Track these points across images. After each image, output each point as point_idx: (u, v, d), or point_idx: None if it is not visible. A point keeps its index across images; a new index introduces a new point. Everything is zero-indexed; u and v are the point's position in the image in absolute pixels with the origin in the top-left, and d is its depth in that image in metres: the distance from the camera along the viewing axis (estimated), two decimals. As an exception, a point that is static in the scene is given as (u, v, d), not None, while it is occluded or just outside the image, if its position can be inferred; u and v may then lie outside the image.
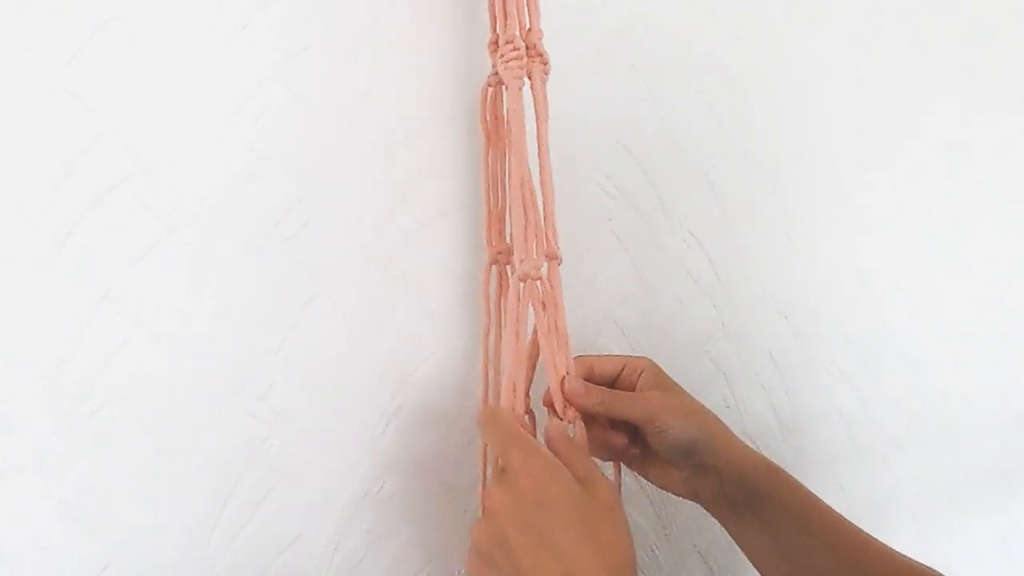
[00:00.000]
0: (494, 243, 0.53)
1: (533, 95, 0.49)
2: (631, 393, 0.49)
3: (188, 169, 0.47)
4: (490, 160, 0.53)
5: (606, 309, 0.61)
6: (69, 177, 0.44)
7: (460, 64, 0.54)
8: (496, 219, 0.53)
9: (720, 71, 0.63)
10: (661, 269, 0.63)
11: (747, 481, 0.49)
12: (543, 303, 0.48)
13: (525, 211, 0.47)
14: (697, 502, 0.51)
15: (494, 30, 0.50)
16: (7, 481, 0.44)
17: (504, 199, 0.53)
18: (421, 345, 0.55)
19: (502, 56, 0.49)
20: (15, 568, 0.45)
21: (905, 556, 0.48)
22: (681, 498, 0.52)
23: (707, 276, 0.65)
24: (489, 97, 0.52)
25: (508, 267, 0.52)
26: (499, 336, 0.53)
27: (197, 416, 0.49)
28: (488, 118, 0.52)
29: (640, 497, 0.65)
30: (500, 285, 0.54)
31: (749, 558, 0.51)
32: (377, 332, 0.54)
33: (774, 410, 0.69)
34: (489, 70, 0.51)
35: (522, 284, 0.47)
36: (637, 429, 0.49)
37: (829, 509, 0.50)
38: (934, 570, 0.47)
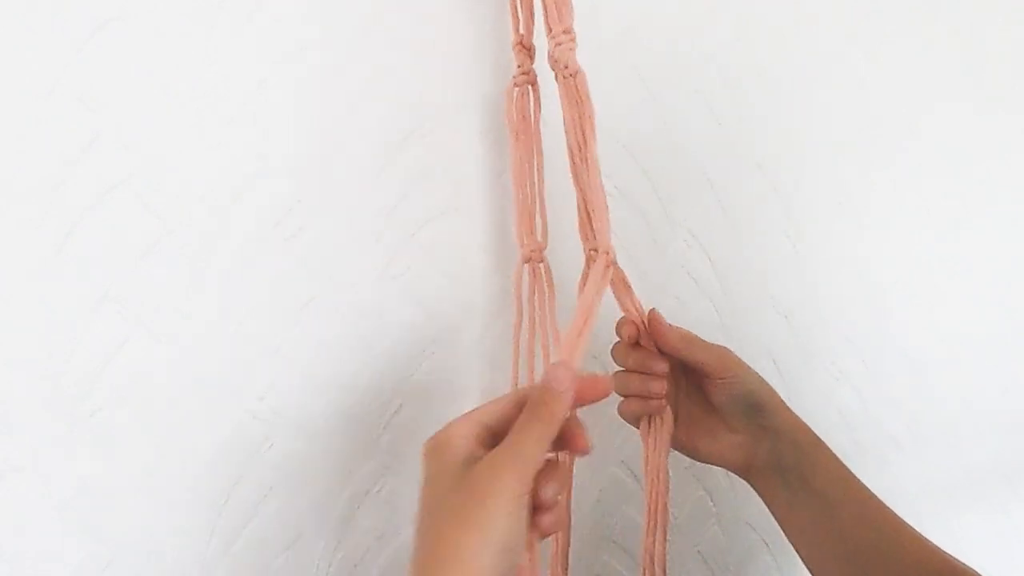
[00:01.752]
0: (526, 241, 0.54)
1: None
2: (707, 342, 0.50)
3: (188, 169, 0.47)
4: (518, 159, 0.53)
5: (606, 309, 0.60)
6: (69, 177, 0.44)
7: (460, 64, 0.54)
8: (527, 217, 0.54)
9: (720, 71, 0.63)
10: (661, 269, 0.63)
11: (801, 446, 0.49)
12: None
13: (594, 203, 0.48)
14: (744, 471, 0.51)
15: (517, 31, 0.51)
16: (7, 481, 0.44)
17: (534, 197, 0.54)
18: (421, 345, 0.55)
19: (559, 44, 0.48)
20: (15, 568, 0.45)
21: (929, 541, 0.49)
22: (727, 469, 0.51)
23: (707, 276, 0.65)
24: (516, 97, 0.52)
25: (541, 264, 0.54)
26: (532, 334, 0.54)
27: (197, 416, 0.49)
28: (515, 117, 0.53)
29: (640, 497, 0.65)
30: (532, 283, 0.54)
31: (792, 531, 0.50)
32: (377, 332, 0.54)
33: (774, 410, 0.69)
34: (514, 70, 0.52)
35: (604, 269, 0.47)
36: (700, 386, 0.51)
37: (866, 486, 0.50)
38: (964, 564, 0.47)
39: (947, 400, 0.78)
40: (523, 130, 0.53)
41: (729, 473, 0.53)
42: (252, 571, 0.51)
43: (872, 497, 0.50)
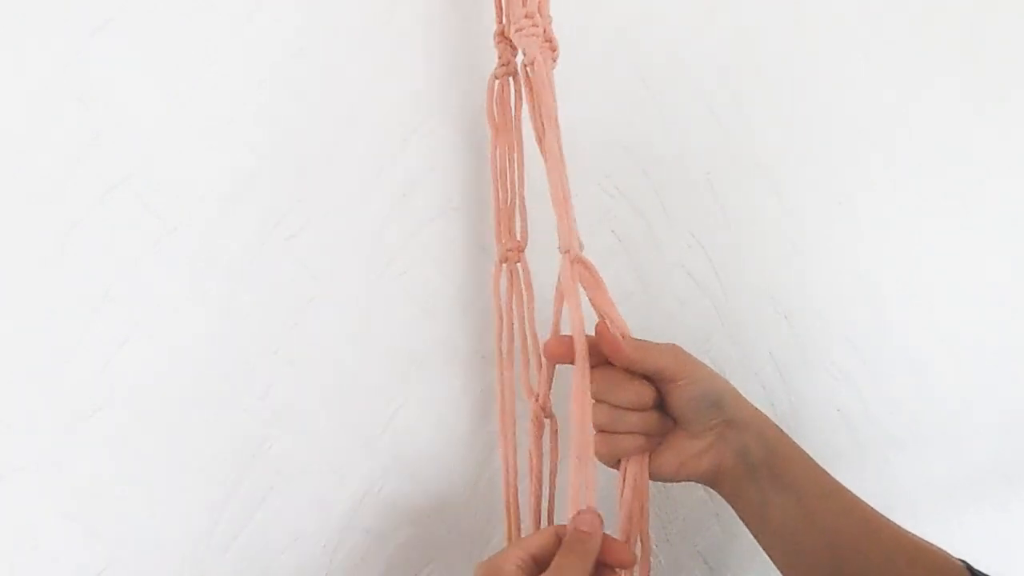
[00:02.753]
0: (503, 240, 0.52)
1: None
2: (658, 344, 0.47)
3: (188, 169, 0.47)
4: (498, 155, 0.51)
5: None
6: (69, 177, 0.44)
7: (461, 64, 0.54)
8: (506, 216, 0.52)
9: (720, 72, 0.63)
10: (661, 269, 0.63)
11: (767, 437, 0.48)
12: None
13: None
14: (714, 478, 0.48)
15: (500, 20, 0.49)
16: (7, 481, 0.44)
17: (513, 195, 0.52)
18: (421, 345, 0.55)
19: (519, 29, 0.46)
20: (15, 568, 0.45)
21: (905, 529, 0.48)
22: (697, 482, 0.49)
23: (707, 276, 0.65)
24: (497, 88, 0.50)
25: (519, 265, 0.52)
26: (511, 336, 0.53)
27: (197, 416, 0.49)
28: (496, 110, 0.51)
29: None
30: (511, 284, 0.53)
31: (766, 533, 0.49)
32: (377, 332, 0.54)
33: (774, 410, 0.69)
34: (496, 62, 0.50)
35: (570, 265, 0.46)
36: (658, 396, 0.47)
37: (834, 477, 0.49)
38: (934, 545, 0.47)
39: (947, 400, 0.78)
40: (503, 125, 0.50)
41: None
42: (252, 571, 0.51)
43: (842, 488, 0.49)
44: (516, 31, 0.47)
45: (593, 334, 0.45)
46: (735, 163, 0.64)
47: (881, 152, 0.71)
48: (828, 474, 0.49)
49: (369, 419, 0.54)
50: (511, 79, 0.50)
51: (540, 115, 0.47)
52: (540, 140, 0.48)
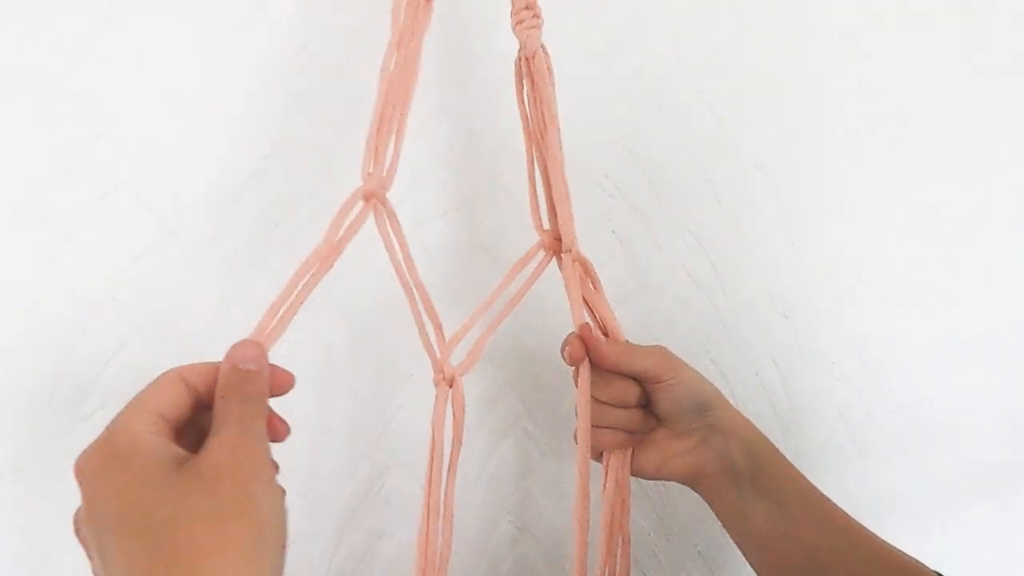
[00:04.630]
0: (371, 172, 0.44)
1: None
2: (645, 346, 0.49)
3: (188, 169, 0.47)
4: (392, 77, 0.45)
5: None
6: (69, 177, 0.44)
7: (461, 64, 0.54)
8: (380, 146, 0.45)
9: (720, 72, 0.63)
10: (661, 269, 0.63)
11: (752, 446, 0.48)
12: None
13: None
14: (695, 479, 0.49)
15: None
16: (7, 481, 0.44)
17: (393, 126, 0.46)
18: (421, 345, 0.55)
19: (520, 21, 0.46)
20: (15, 568, 0.45)
21: (884, 541, 0.48)
22: (677, 482, 0.50)
23: (707, 276, 0.65)
24: (405, 5, 0.46)
25: (384, 207, 0.45)
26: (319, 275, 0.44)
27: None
28: (401, 25, 0.46)
29: (640, 497, 0.65)
30: (357, 224, 0.45)
31: (744, 539, 0.49)
32: (377, 332, 0.54)
33: (774, 410, 0.69)
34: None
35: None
36: (643, 395, 0.48)
37: (816, 487, 0.49)
38: (914, 559, 0.47)
39: (947, 400, 0.78)
40: (406, 39, 0.45)
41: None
42: (252, 571, 0.51)
43: (824, 498, 0.49)
44: (517, 23, 0.46)
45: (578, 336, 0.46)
46: (735, 163, 0.64)
47: (881, 152, 0.71)
48: (812, 485, 0.49)
49: (369, 419, 0.54)
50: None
51: (541, 109, 0.47)
52: (541, 135, 0.48)
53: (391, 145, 0.44)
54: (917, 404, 0.77)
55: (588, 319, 0.48)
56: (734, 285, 0.66)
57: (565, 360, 0.47)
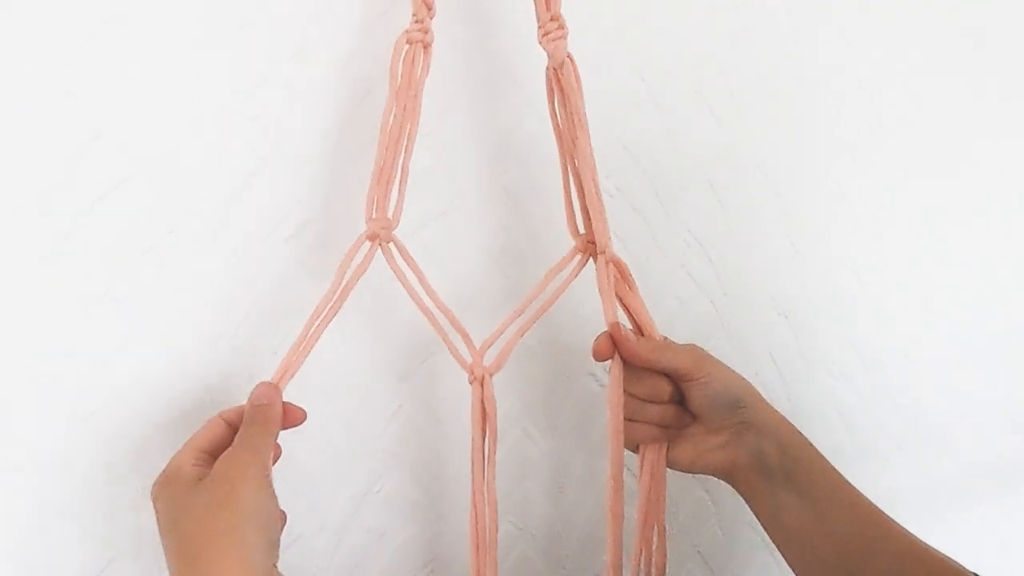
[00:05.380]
0: (375, 215, 0.48)
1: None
2: (678, 344, 0.50)
3: (188, 169, 0.47)
4: (391, 121, 0.47)
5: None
6: (69, 177, 0.44)
7: (460, 64, 0.54)
8: (383, 188, 0.48)
9: (720, 72, 0.63)
10: (661, 269, 0.63)
11: (784, 441, 0.49)
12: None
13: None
14: (729, 473, 0.50)
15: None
16: (7, 481, 0.44)
17: (395, 167, 0.48)
18: (421, 345, 0.55)
19: (547, 33, 0.47)
20: (15, 568, 0.45)
21: (917, 537, 0.48)
22: (712, 475, 0.51)
23: (707, 276, 0.65)
24: (404, 54, 0.47)
25: (391, 244, 0.48)
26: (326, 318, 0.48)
27: (197, 416, 0.49)
28: (398, 74, 0.47)
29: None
30: (365, 264, 0.48)
31: (778, 533, 0.50)
32: (377, 332, 0.54)
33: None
34: (410, 21, 0.48)
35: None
36: (677, 392, 0.50)
37: (850, 483, 0.50)
38: (950, 558, 0.47)
39: (947, 400, 0.78)
40: (404, 90, 0.47)
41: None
42: (252, 571, 0.51)
43: (858, 494, 0.49)
44: (543, 35, 0.47)
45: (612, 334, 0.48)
46: (735, 163, 0.64)
47: (881, 152, 0.71)
48: (845, 480, 0.49)
49: (369, 419, 0.54)
50: (422, 49, 0.48)
51: (572, 118, 0.48)
52: (572, 143, 0.49)
53: (395, 189, 0.48)
54: (917, 404, 0.77)
55: (625, 319, 0.50)
56: (734, 285, 0.66)
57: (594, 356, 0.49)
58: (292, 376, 0.46)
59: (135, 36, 0.45)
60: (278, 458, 0.46)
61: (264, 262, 0.50)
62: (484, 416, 0.48)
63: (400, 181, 0.48)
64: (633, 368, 0.49)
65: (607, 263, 0.49)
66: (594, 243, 0.51)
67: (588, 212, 0.50)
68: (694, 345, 0.50)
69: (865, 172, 0.71)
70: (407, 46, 0.47)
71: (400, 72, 0.47)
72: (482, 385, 0.48)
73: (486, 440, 0.49)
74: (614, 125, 0.59)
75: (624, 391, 0.49)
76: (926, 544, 0.48)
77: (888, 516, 0.49)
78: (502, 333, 0.50)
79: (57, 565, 0.46)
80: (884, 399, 0.75)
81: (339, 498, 0.54)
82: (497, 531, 0.50)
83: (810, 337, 0.70)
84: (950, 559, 0.47)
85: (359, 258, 0.47)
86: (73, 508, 0.46)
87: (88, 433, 0.46)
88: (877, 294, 0.73)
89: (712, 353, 0.65)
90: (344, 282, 0.46)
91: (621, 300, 0.50)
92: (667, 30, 0.60)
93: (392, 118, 0.47)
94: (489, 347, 0.50)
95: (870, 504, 0.49)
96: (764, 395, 0.66)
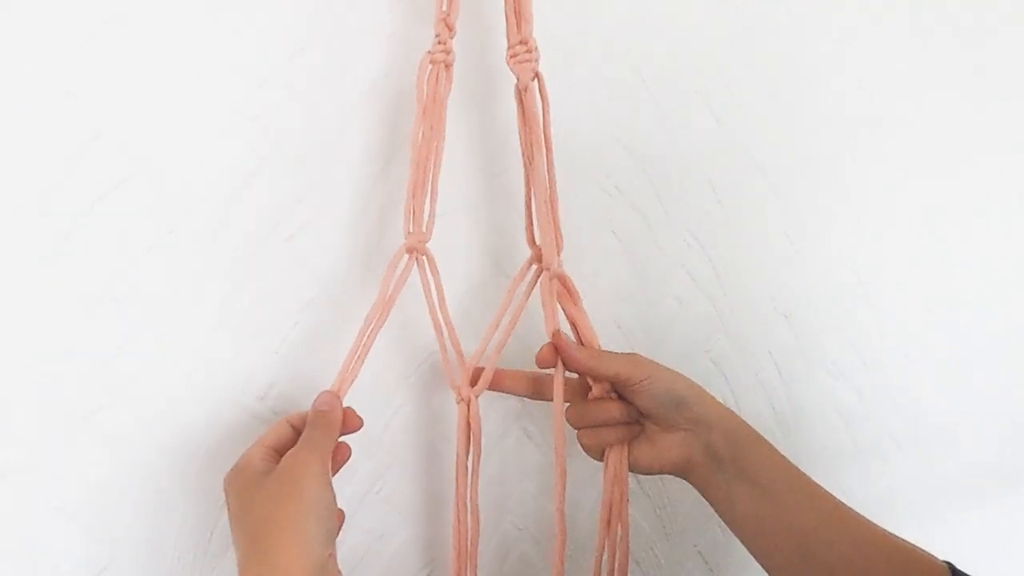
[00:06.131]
0: (411, 230, 0.50)
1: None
2: (617, 352, 0.51)
3: (188, 169, 0.47)
4: (420, 139, 0.50)
5: (606, 309, 0.61)
6: (69, 177, 0.44)
7: (460, 64, 0.54)
8: (418, 203, 0.50)
9: (720, 72, 0.63)
10: (661, 269, 0.63)
11: (731, 433, 0.50)
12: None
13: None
14: (685, 470, 0.51)
15: (440, 7, 0.49)
16: (7, 481, 0.44)
17: (427, 182, 0.50)
18: (421, 345, 0.55)
19: (514, 55, 0.49)
20: (15, 568, 0.45)
21: (880, 527, 0.49)
22: (671, 474, 0.52)
23: (707, 276, 0.65)
24: (429, 73, 0.49)
25: (424, 257, 0.51)
26: (376, 328, 0.50)
27: (197, 416, 0.49)
28: (424, 93, 0.49)
29: (640, 497, 0.65)
30: (404, 275, 0.50)
31: (736, 524, 0.51)
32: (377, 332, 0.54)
33: (774, 410, 0.69)
34: (433, 43, 0.49)
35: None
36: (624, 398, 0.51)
37: (803, 473, 0.51)
38: (917, 547, 0.48)
39: (947, 400, 0.78)
40: (431, 108, 0.49)
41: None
42: (252, 571, 0.51)
43: (811, 482, 0.50)
44: (511, 57, 0.49)
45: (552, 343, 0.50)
46: (735, 163, 0.64)
47: (881, 152, 0.71)
48: (798, 470, 0.51)
49: (369, 419, 0.54)
50: (444, 68, 0.50)
51: (531, 139, 0.50)
52: (529, 163, 0.51)
53: (427, 204, 0.50)
54: (917, 404, 0.77)
55: (569, 330, 0.52)
56: (734, 285, 0.66)
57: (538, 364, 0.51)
58: (351, 384, 0.49)
59: (135, 36, 0.45)
60: (348, 459, 0.49)
61: (264, 262, 0.50)
62: (469, 433, 0.51)
63: (431, 197, 0.50)
64: (583, 376, 0.52)
65: (550, 279, 0.51)
66: None
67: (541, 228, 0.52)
68: (634, 353, 0.51)
69: (865, 172, 0.71)
70: (431, 66, 0.49)
71: (425, 92, 0.49)
72: (468, 406, 0.51)
73: (470, 456, 0.51)
74: (614, 125, 0.59)
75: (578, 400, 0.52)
76: (884, 530, 0.49)
77: (845, 505, 0.50)
78: (483, 351, 0.52)
79: (57, 565, 0.46)
80: (884, 399, 0.75)
81: (339, 498, 0.54)
82: (479, 540, 0.52)
83: (810, 337, 0.70)
84: (921, 550, 0.48)
85: (399, 269, 0.50)
86: (73, 508, 0.46)
87: (88, 433, 0.46)
88: (877, 294, 0.73)
89: (712, 353, 0.65)
90: (389, 291, 0.50)
91: (565, 312, 0.52)
92: (667, 30, 0.60)
93: (420, 136, 0.49)
94: (474, 365, 0.52)
95: (825, 493, 0.50)
96: (764, 395, 0.67)
